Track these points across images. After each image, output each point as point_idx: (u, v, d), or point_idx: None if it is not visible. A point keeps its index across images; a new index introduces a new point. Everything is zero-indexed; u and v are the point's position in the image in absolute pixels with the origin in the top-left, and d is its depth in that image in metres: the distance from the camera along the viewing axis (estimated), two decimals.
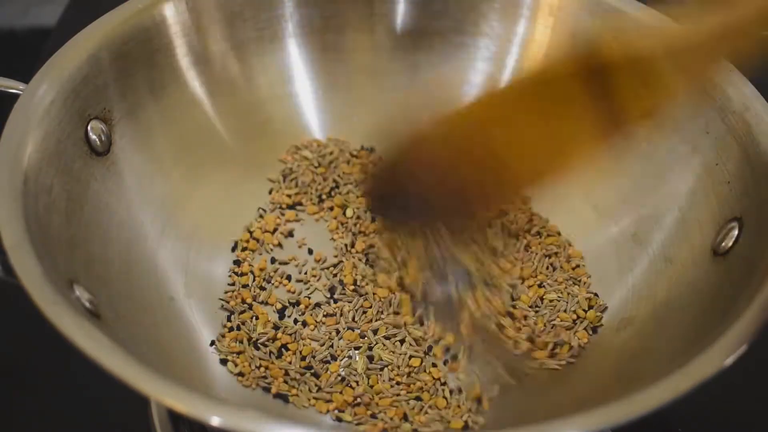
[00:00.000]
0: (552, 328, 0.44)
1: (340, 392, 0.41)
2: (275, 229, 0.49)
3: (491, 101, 0.40)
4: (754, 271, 0.36)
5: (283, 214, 0.49)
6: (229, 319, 0.44)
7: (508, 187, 0.41)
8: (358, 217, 0.49)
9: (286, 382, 0.41)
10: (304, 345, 0.43)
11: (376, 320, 0.44)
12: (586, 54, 0.36)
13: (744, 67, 0.42)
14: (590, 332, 0.44)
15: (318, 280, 0.46)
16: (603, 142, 0.38)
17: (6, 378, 0.46)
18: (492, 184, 0.40)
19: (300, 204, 0.50)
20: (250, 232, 0.48)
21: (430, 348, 0.43)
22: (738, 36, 0.34)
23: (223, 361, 0.42)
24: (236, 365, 0.42)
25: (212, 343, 0.43)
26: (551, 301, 0.45)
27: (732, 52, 0.36)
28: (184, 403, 0.29)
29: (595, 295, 0.45)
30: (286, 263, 0.47)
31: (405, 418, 0.40)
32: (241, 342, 0.43)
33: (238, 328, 0.43)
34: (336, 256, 0.48)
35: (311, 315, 0.44)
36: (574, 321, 0.44)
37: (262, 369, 0.42)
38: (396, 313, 0.44)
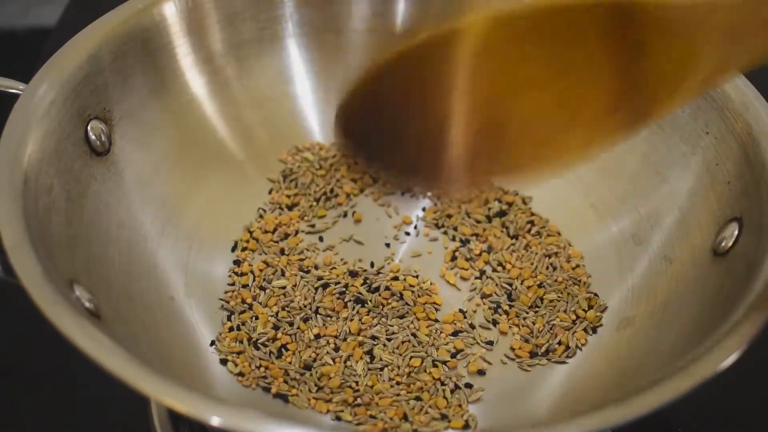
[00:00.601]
0: (551, 328, 0.44)
1: (340, 392, 0.41)
2: (275, 229, 0.49)
3: (482, 33, 0.31)
4: (754, 271, 0.36)
5: (281, 214, 0.49)
6: (229, 319, 0.44)
7: (490, 161, 0.33)
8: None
9: (286, 382, 0.41)
10: (305, 346, 0.43)
11: (376, 323, 0.44)
12: None
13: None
14: (590, 332, 0.44)
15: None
16: (617, 122, 0.30)
17: (6, 378, 0.46)
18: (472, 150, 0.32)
19: (298, 204, 0.50)
20: (250, 232, 0.48)
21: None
22: None
23: (223, 361, 0.42)
24: (236, 365, 0.42)
25: (212, 343, 0.43)
26: (551, 301, 0.45)
27: None
28: (184, 403, 0.29)
29: (595, 295, 0.45)
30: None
31: (405, 418, 0.40)
32: (241, 342, 0.43)
33: (238, 329, 0.43)
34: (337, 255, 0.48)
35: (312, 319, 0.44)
36: (573, 321, 0.44)
37: (262, 369, 0.42)
38: (400, 317, 0.44)
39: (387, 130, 0.33)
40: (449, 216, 0.49)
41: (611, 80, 0.29)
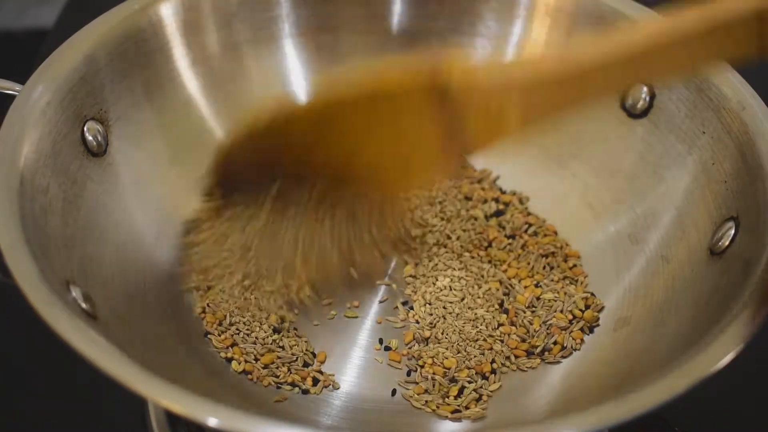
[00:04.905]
0: (548, 327, 0.44)
1: None
2: None
3: (336, 99, 0.38)
4: (751, 271, 0.36)
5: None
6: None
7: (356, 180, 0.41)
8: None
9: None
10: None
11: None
12: (430, 73, 0.35)
13: (741, 67, 0.42)
14: (587, 332, 0.44)
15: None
16: (449, 158, 0.38)
17: (6, 378, 0.46)
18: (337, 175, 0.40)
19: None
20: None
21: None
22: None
23: (229, 360, 0.42)
24: (239, 363, 0.42)
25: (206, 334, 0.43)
26: (548, 300, 0.45)
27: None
28: (181, 404, 0.29)
29: (592, 294, 0.45)
30: None
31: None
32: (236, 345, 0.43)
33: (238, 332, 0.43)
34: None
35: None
36: (570, 321, 0.44)
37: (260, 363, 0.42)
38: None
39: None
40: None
41: (436, 131, 0.37)
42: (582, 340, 0.44)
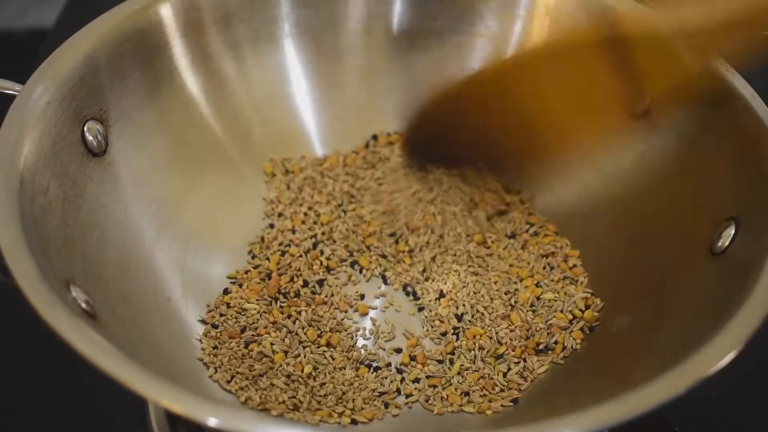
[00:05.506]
0: (548, 327, 0.44)
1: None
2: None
3: (516, 62, 0.43)
4: (751, 271, 0.36)
5: (280, 216, 0.50)
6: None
7: (535, 149, 0.43)
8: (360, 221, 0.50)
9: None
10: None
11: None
12: (603, 26, 0.38)
13: (742, 66, 0.42)
14: (587, 332, 0.44)
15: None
16: (628, 114, 0.40)
17: (6, 378, 0.46)
18: (519, 144, 0.43)
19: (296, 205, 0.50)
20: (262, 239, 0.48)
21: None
22: (745, 27, 0.36)
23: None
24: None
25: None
26: (548, 300, 0.45)
27: (740, 43, 0.37)
28: (181, 404, 0.29)
29: (592, 294, 0.45)
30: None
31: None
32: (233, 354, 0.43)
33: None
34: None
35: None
36: (570, 321, 0.44)
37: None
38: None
39: (447, 143, 0.44)
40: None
41: (613, 85, 0.39)
42: (582, 340, 0.44)
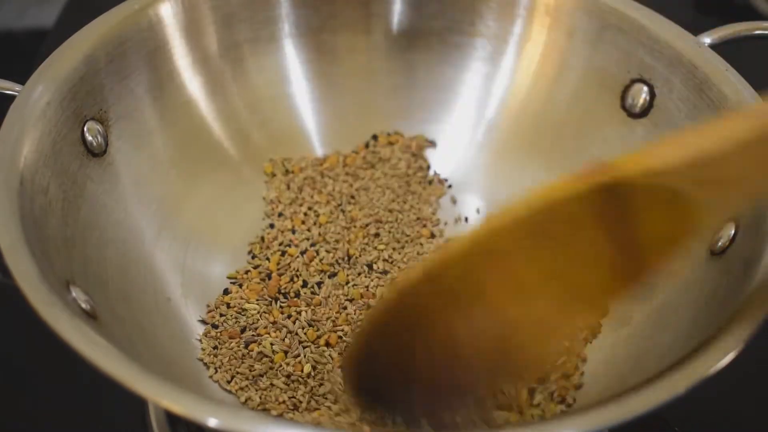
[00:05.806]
0: None
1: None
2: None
3: (482, 246, 0.30)
4: (751, 271, 0.36)
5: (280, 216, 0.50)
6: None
7: (513, 363, 0.34)
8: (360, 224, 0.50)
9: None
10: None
11: None
12: (598, 172, 0.29)
13: (741, 66, 0.42)
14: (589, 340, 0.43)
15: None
16: (622, 286, 0.32)
17: (6, 378, 0.46)
18: (493, 357, 0.33)
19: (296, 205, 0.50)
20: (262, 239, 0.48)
21: None
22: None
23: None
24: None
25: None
26: None
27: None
28: (181, 404, 0.29)
29: None
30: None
31: None
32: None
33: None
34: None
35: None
36: None
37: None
38: None
39: (396, 370, 0.34)
40: None
41: (609, 254, 0.31)
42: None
